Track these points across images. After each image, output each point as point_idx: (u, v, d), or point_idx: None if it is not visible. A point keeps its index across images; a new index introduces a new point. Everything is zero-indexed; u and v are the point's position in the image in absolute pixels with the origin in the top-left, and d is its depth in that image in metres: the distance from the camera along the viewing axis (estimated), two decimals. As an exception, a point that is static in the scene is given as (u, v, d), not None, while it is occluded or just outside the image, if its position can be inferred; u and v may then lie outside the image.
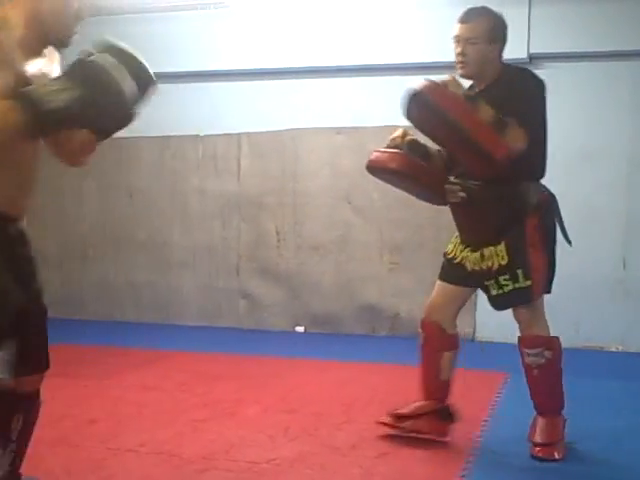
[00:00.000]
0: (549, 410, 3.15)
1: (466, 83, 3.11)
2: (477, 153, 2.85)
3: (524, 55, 5.41)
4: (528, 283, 3.01)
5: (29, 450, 3.05)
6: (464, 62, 3.08)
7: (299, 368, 4.78)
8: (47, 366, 2.41)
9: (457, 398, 3.66)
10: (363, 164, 3.34)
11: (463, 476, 2.93)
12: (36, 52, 2.12)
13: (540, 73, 5.42)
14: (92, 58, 1.95)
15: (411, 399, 3.35)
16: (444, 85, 2.89)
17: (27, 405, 2.40)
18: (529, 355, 3.11)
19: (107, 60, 1.95)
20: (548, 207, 3.10)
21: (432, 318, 3.27)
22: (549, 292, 3.17)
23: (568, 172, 5.49)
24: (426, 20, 5.62)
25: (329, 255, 6.06)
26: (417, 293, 5.41)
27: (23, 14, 2.07)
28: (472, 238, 3.17)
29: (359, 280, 6.00)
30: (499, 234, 3.05)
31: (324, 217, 6.02)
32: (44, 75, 2.11)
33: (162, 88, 7.52)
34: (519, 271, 3.01)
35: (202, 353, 5.21)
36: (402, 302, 5.86)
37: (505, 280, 3.04)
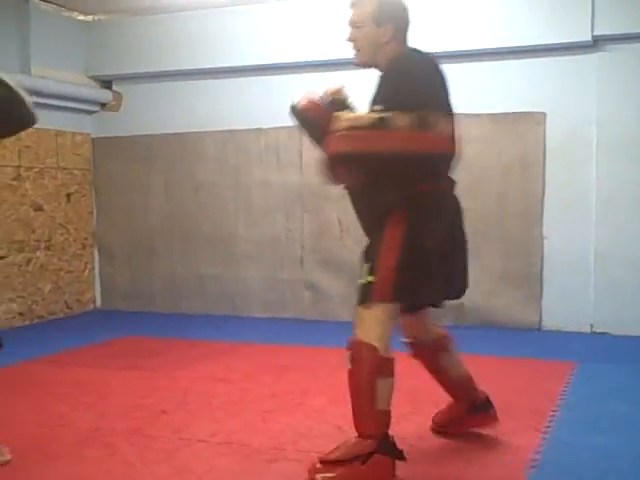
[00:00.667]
0: (357, 428, 2.81)
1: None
2: (431, 160, 2.72)
3: (588, 38, 5.28)
4: (370, 279, 2.72)
5: (106, 439, 3.18)
6: (354, 48, 2.91)
7: (364, 358, 4.77)
8: None
9: (524, 389, 3.63)
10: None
11: (533, 467, 2.91)
12: None
13: (605, 56, 5.37)
14: None
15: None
16: (342, 121, 2.78)
17: None
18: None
19: None
20: (424, 207, 2.77)
21: (405, 335, 3.22)
22: (430, 305, 3.00)
23: (634, 159, 5.35)
24: (459, 6, 5.56)
25: (392, 245, 6.03)
26: (481, 282, 5.36)
27: None
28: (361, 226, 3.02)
29: (423, 270, 5.95)
30: (369, 230, 2.89)
31: (386, 207, 6.00)
32: None
33: (223, 83, 7.55)
34: (367, 265, 2.75)
35: (268, 344, 5.27)
36: (466, 291, 5.78)
37: (361, 275, 2.80)
